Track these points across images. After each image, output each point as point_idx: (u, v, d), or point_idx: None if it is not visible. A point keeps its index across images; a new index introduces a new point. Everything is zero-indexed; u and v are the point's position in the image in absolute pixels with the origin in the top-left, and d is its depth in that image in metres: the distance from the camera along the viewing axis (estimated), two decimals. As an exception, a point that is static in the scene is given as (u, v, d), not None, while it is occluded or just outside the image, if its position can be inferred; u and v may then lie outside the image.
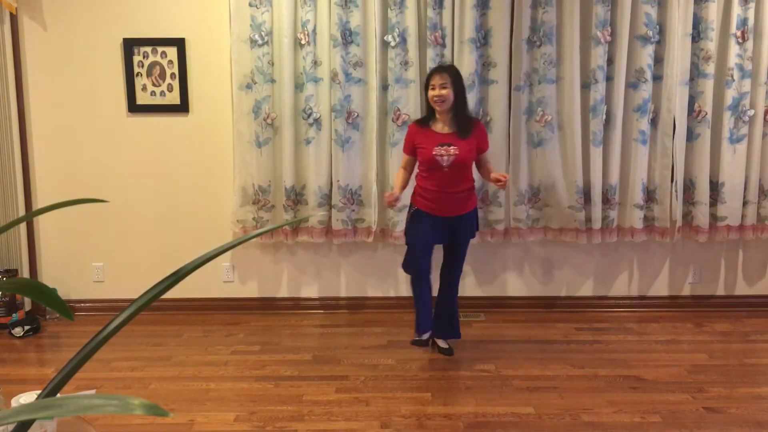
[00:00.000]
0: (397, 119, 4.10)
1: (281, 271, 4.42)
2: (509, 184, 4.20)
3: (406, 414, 2.95)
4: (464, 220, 3.58)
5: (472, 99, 4.06)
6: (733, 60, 4.10)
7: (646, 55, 4.07)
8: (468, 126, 3.49)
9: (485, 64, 4.12)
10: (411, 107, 4.08)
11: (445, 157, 3.43)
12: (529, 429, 2.82)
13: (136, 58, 4.16)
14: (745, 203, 4.28)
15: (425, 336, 3.66)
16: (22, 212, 4.22)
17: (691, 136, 4.22)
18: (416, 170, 3.63)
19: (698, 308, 4.46)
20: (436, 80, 3.44)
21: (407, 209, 3.69)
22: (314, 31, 4.04)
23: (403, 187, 3.60)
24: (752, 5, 4.05)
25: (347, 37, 4.04)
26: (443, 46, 4.06)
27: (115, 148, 4.27)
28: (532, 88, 4.13)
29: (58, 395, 1.02)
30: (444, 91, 3.41)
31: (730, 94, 4.14)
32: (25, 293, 1.12)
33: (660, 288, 4.49)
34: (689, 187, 4.27)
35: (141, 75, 4.18)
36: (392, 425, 2.85)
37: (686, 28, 4.07)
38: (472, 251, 4.00)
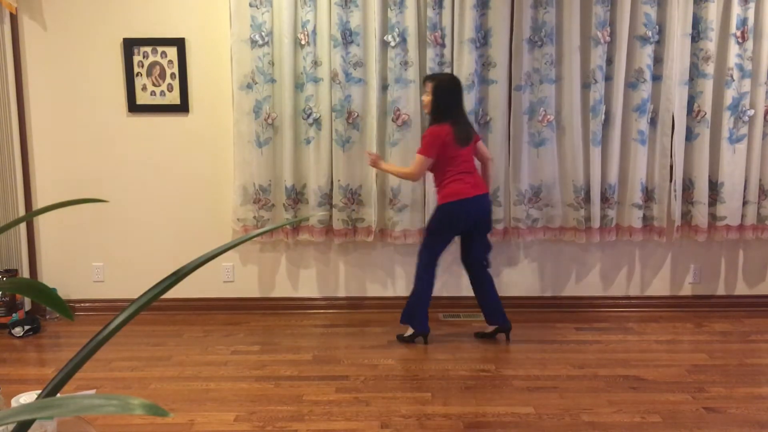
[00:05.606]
0: (397, 119, 4.10)
1: (281, 271, 4.42)
2: (509, 183, 4.21)
3: (406, 414, 2.95)
4: None
5: (472, 99, 4.06)
6: (732, 60, 4.10)
7: (645, 55, 4.07)
8: None
9: (485, 64, 4.12)
10: (411, 107, 4.08)
11: None
12: (529, 429, 2.82)
13: (136, 58, 4.16)
14: (744, 203, 4.28)
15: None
16: (22, 212, 4.22)
17: (690, 135, 4.22)
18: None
19: (698, 308, 4.45)
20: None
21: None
22: (314, 31, 4.04)
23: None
24: (752, 5, 4.05)
25: (347, 37, 4.04)
26: (443, 46, 4.06)
27: (115, 148, 4.27)
28: (533, 88, 4.13)
29: (58, 395, 1.02)
30: (424, 98, 3.73)
31: (729, 94, 4.14)
32: (25, 293, 1.12)
33: (660, 288, 4.49)
34: (688, 186, 4.27)
35: (141, 75, 4.18)
36: (392, 425, 2.85)
37: (686, 28, 4.08)
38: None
